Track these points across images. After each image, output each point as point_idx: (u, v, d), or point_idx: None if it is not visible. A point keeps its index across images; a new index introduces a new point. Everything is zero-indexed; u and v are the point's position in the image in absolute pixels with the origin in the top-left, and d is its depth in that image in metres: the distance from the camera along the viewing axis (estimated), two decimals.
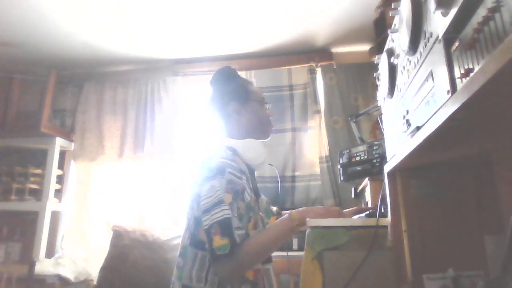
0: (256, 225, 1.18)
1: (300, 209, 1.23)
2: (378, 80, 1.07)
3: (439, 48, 0.60)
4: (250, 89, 1.37)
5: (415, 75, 0.74)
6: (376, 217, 0.96)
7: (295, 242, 2.11)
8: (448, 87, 0.57)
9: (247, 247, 1.06)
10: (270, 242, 1.13)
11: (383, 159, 1.59)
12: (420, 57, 0.70)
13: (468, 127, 0.63)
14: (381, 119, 1.21)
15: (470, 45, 0.50)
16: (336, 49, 2.90)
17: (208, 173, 1.14)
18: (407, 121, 0.80)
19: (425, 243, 0.89)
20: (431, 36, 0.64)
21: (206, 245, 1.09)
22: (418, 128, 0.70)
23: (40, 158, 2.95)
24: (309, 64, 2.82)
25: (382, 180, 0.99)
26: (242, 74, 1.37)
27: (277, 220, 1.23)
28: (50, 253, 2.75)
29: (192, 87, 3.08)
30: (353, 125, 2.32)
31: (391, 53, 0.93)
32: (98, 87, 3.09)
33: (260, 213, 1.28)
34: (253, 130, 1.32)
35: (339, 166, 1.90)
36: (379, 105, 1.14)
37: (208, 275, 1.10)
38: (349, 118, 2.40)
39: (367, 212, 1.19)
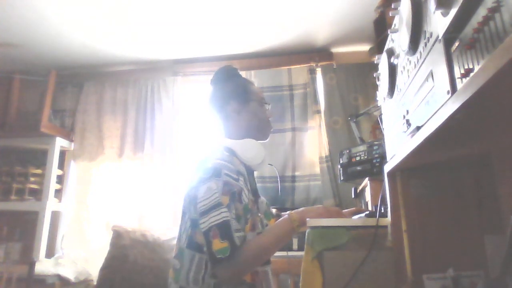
0: (254, 227, 1.17)
1: (299, 209, 1.22)
2: (378, 80, 1.07)
3: (439, 48, 0.60)
4: (250, 89, 1.36)
5: (415, 75, 0.74)
6: (376, 217, 0.96)
7: (295, 242, 2.11)
8: (448, 87, 0.57)
9: (248, 249, 1.05)
10: (270, 244, 1.12)
11: (383, 159, 1.59)
12: (420, 57, 0.70)
13: (468, 127, 0.63)
14: (381, 119, 1.21)
15: (470, 45, 0.50)
16: (336, 49, 2.90)
17: (204, 174, 1.12)
18: (407, 121, 0.80)
19: (425, 243, 0.89)
20: (431, 36, 0.64)
21: (205, 248, 1.07)
22: (418, 128, 0.70)
23: (40, 158, 2.96)
24: (309, 64, 2.83)
25: (382, 180, 0.99)
26: (242, 74, 1.37)
27: (277, 221, 1.22)
28: (50, 253, 2.75)
29: (192, 87, 3.08)
30: (353, 125, 2.32)
31: (391, 53, 0.93)
32: (98, 87, 3.09)
33: (259, 214, 1.27)
34: (252, 130, 1.31)
35: (339, 166, 1.90)
36: (379, 105, 1.14)
37: (204, 277, 1.09)
38: (349, 118, 2.40)
39: (367, 212, 1.19)
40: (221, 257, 1.02)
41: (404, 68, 0.83)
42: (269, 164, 1.42)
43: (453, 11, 0.53)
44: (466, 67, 0.52)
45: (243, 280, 1.12)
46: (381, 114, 1.15)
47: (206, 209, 1.07)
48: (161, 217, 2.74)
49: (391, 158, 0.93)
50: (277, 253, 1.25)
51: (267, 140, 1.37)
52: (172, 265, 1.18)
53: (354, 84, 2.78)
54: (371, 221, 0.96)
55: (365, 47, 2.80)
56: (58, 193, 2.95)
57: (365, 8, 2.34)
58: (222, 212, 1.05)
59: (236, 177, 1.13)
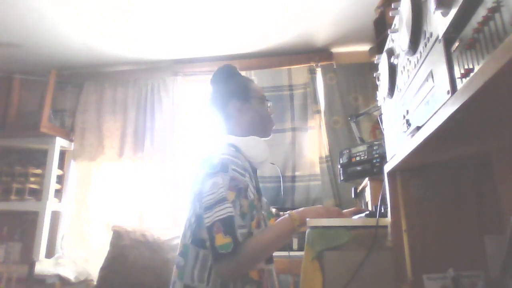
0: (259, 224, 1.17)
1: (299, 209, 1.22)
2: (378, 80, 1.07)
3: (439, 48, 0.60)
4: (251, 86, 1.36)
5: (415, 75, 0.74)
6: (376, 217, 0.96)
7: (295, 242, 2.11)
8: (448, 87, 0.57)
9: (249, 246, 1.05)
10: (271, 242, 1.12)
11: (383, 159, 1.59)
12: (420, 57, 0.70)
13: (468, 127, 0.63)
14: (381, 119, 1.21)
15: (470, 45, 0.50)
16: (336, 49, 2.90)
17: (211, 169, 1.12)
18: (407, 121, 0.80)
19: (425, 243, 0.89)
20: (431, 36, 0.64)
21: (208, 243, 1.07)
22: (418, 128, 0.70)
23: (40, 158, 2.96)
24: (309, 64, 2.83)
25: (382, 180, 0.99)
26: (242, 74, 1.37)
27: (278, 220, 1.22)
28: (50, 253, 2.75)
29: (192, 87, 3.08)
30: (353, 125, 2.32)
31: (391, 53, 0.93)
32: (98, 87, 3.09)
33: (263, 212, 1.27)
34: (254, 128, 1.31)
35: (339, 166, 1.90)
36: (379, 105, 1.14)
37: (210, 274, 1.09)
38: (349, 118, 2.40)
39: (367, 212, 1.19)
40: (223, 252, 1.01)
41: (404, 68, 0.83)
42: (271, 163, 1.41)
43: (453, 11, 0.53)
44: (466, 67, 0.52)
45: (250, 278, 1.12)
46: (381, 114, 1.15)
47: (211, 204, 1.06)
48: (161, 217, 2.74)
49: (391, 158, 0.93)
50: (278, 253, 1.25)
51: (270, 137, 1.37)
52: (176, 263, 1.17)
53: (354, 84, 2.78)
54: (371, 221, 0.96)
55: (365, 47, 2.80)
56: (58, 193, 2.95)
57: (365, 8, 2.34)
58: (227, 207, 1.05)
59: (243, 173, 1.13)
